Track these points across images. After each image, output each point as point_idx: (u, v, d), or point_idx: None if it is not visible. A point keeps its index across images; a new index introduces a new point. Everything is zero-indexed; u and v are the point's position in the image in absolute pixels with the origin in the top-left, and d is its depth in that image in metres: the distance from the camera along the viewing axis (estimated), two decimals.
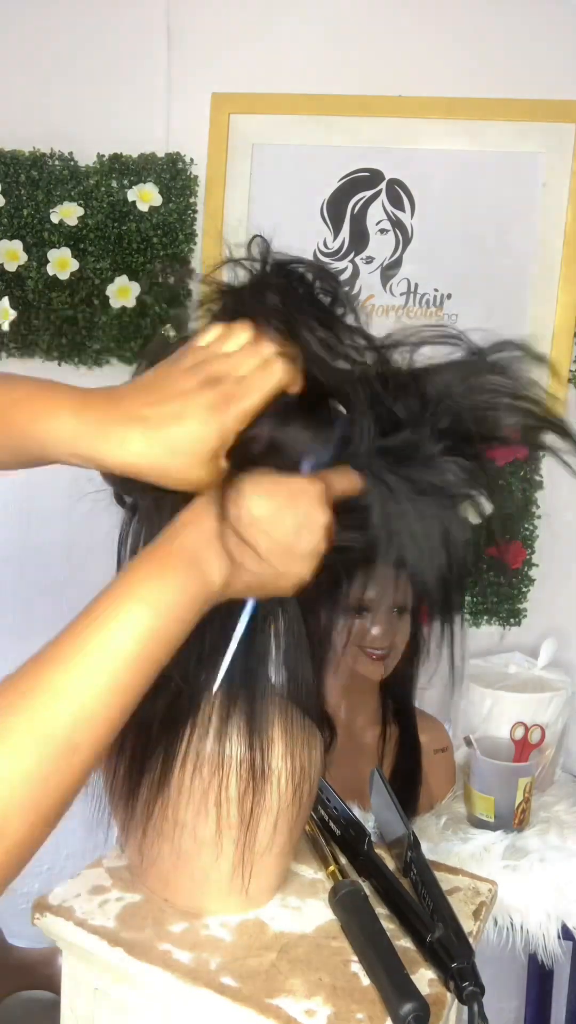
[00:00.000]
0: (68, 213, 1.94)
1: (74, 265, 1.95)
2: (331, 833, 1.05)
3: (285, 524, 0.71)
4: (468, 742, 1.70)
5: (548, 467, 1.96)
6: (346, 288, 0.88)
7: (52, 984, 1.89)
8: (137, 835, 0.90)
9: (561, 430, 0.82)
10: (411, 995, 0.75)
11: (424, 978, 0.82)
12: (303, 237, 1.94)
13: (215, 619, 0.80)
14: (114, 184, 1.98)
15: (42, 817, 0.59)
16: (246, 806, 0.85)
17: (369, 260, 1.97)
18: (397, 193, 1.94)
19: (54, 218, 1.95)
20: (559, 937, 1.50)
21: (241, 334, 0.75)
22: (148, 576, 0.66)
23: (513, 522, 0.90)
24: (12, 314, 1.97)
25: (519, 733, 1.71)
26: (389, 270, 1.96)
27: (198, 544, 0.69)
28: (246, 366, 0.73)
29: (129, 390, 0.73)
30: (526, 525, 1.96)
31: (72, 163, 1.99)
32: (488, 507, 0.83)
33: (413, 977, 0.79)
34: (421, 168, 1.94)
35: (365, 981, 0.81)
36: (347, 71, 1.94)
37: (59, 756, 0.59)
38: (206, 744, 0.84)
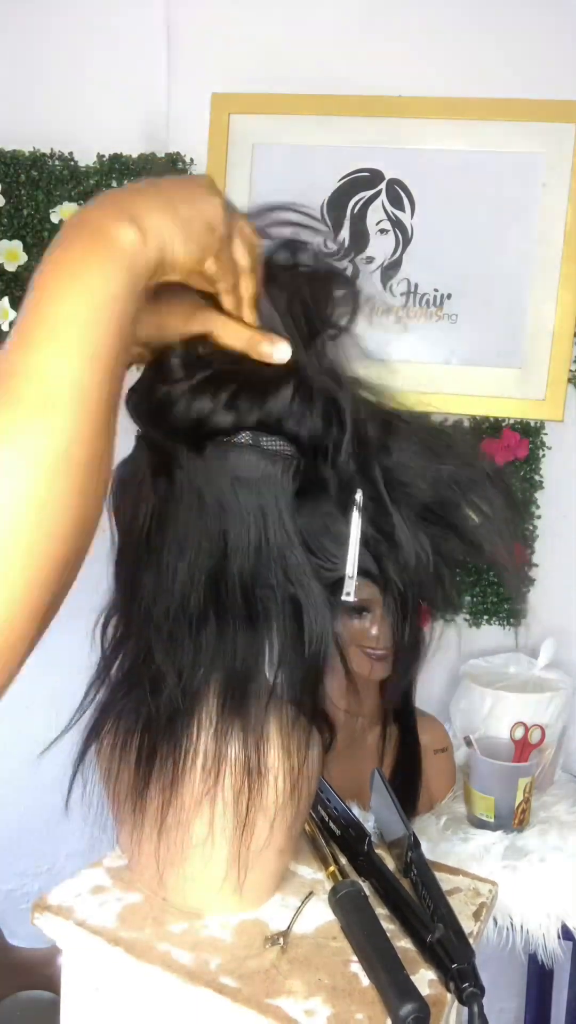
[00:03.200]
0: (68, 213, 1.94)
1: None
2: (331, 833, 1.05)
3: (183, 197, 0.68)
4: (468, 742, 1.70)
5: (548, 467, 1.96)
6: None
7: (52, 984, 1.89)
8: (138, 835, 0.90)
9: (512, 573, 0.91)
10: (411, 996, 0.75)
11: (424, 979, 0.82)
12: (303, 237, 1.94)
13: (209, 616, 0.80)
14: (114, 184, 1.98)
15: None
16: (242, 805, 0.85)
17: (369, 260, 1.97)
18: (397, 193, 1.94)
19: (54, 218, 1.95)
20: (559, 937, 1.50)
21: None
22: (59, 269, 0.60)
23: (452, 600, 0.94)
24: (12, 314, 1.97)
25: (519, 733, 1.71)
26: (389, 270, 1.96)
27: (96, 218, 0.63)
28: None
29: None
30: (526, 525, 1.96)
31: (72, 163, 1.99)
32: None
33: (413, 978, 0.79)
34: (421, 168, 1.93)
35: (365, 982, 0.81)
36: (347, 71, 1.94)
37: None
38: (203, 743, 0.84)
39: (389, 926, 0.88)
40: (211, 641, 0.81)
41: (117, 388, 0.60)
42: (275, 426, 0.80)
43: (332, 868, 0.97)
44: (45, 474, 0.53)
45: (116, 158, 1.98)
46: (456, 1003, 0.80)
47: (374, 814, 1.12)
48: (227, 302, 0.76)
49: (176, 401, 0.79)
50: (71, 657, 0.86)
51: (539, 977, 1.80)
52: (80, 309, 0.58)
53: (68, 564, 0.55)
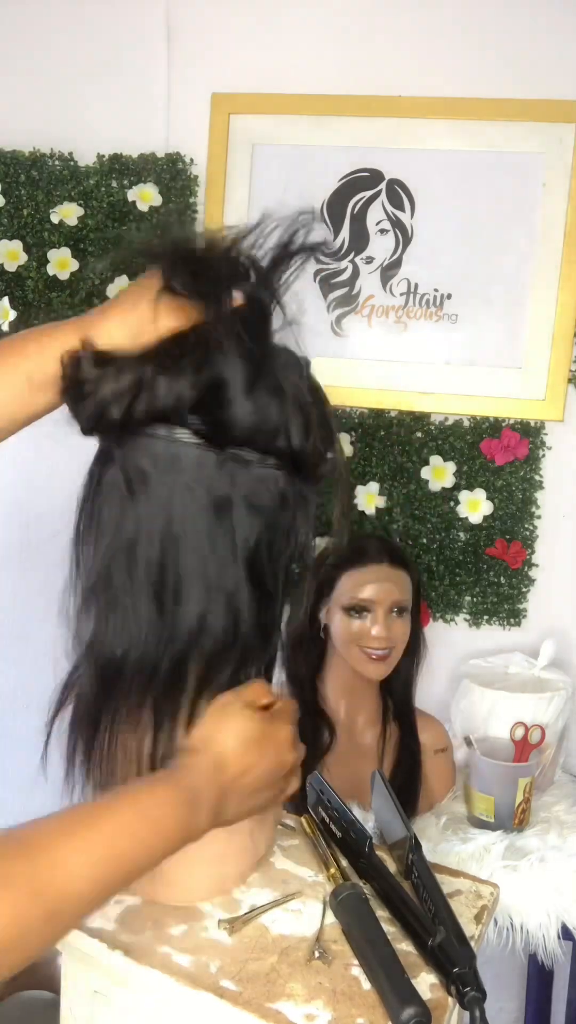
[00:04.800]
0: (68, 213, 1.94)
1: (74, 265, 1.95)
2: (332, 835, 1.05)
3: (259, 770, 0.84)
4: (468, 742, 1.70)
5: (548, 467, 1.96)
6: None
7: (52, 984, 1.89)
8: None
9: None
10: (412, 1000, 0.75)
11: (425, 983, 0.82)
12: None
13: (122, 595, 0.85)
14: (114, 184, 1.98)
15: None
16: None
17: (369, 260, 1.97)
18: (397, 193, 1.94)
19: (54, 218, 1.94)
20: (559, 937, 1.50)
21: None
22: (159, 802, 0.76)
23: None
24: (12, 314, 1.97)
25: (519, 733, 1.71)
26: (389, 270, 1.96)
27: (199, 788, 0.79)
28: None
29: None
30: (526, 525, 1.97)
31: (72, 163, 1.99)
32: None
33: (414, 982, 0.79)
34: (421, 168, 1.93)
35: (366, 985, 0.81)
36: (347, 71, 1.94)
37: (39, 915, 0.66)
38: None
39: (390, 929, 0.88)
40: (126, 619, 0.85)
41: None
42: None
43: (333, 870, 0.97)
44: None
45: (116, 158, 1.98)
46: (457, 1007, 0.80)
47: (375, 815, 1.12)
48: None
49: (91, 394, 0.82)
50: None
51: (539, 977, 1.80)
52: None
53: None
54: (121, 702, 0.86)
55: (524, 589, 1.99)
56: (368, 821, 1.11)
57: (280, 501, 0.86)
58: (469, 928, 0.91)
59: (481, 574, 1.99)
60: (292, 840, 1.05)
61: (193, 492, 0.83)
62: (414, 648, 1.75)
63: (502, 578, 1.99)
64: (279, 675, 1.72)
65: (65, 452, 0.88)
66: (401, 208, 1.94)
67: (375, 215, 1.95)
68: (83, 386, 0.82)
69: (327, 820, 1.07)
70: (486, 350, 1.94)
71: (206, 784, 0.80)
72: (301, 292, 0.90)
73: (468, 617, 2.02)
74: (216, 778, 0.81)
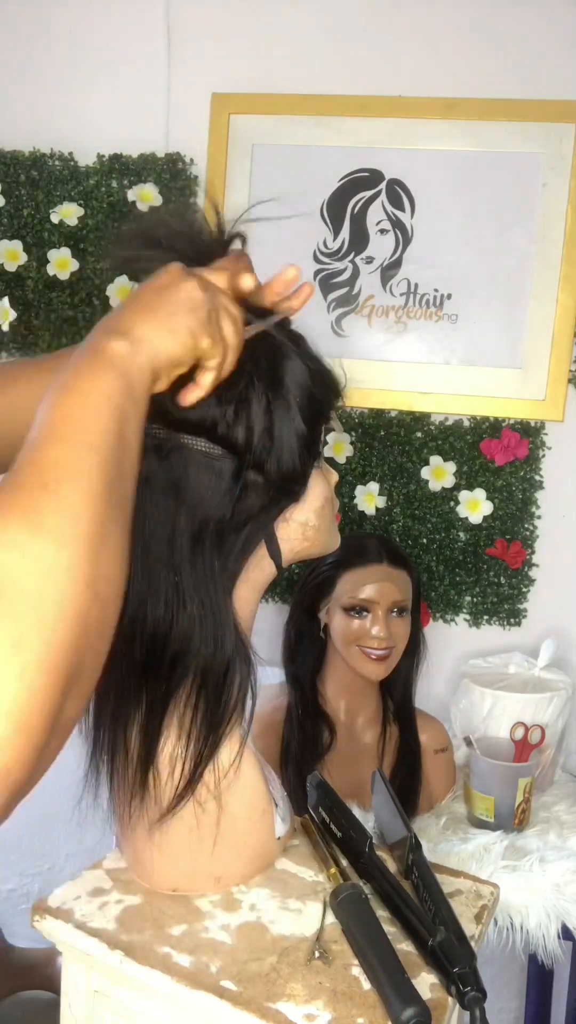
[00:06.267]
0: (68, 213, 1.94)
1: (74, 265, 1.95)
2: (332, 835, 1.05)
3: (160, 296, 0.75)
4: (468, 742, 1.70)
5: (548, 467, 1.96)
6: None
7: (52, 984, 1.89)
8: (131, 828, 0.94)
9: None
10: (412, 1000, 0.75)
11: (425, 982, 0.82)
12: (303, 237, 1.94)
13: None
14: (114, 184, 1.98)
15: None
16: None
17: (369, 260, 1.97)
18: (397, 193, 1.94)
19: (54, 218, 1.95)
20: (559, 937, 1.50)
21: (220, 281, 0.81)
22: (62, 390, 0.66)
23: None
24: (12, 314, 1.97)
25: (519, 733, 1.71)
26: (389, 270, 1.96)
27: (92, 341, 0.70)
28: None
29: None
30: (526, 525, 1.97)
31: (72, 163, 1.99)
32: None
33: (414, 981, 0.79)
34: (421, 168, 1.94)
35: (366, 985, 0.81)
36: (347, 71, 1.94)
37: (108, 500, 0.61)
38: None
39: (390, 929, 0.88)
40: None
41: (124, 472, 0.65)
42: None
43: (333, 870, 0.97)
44: (49, 544, 0.56)
45: (116, 158, 1.98)
46: (457, 1007, 0.80)
47: (375, 815, 1.12)
48: (212, 378, 0.79)
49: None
50: None
51: (539, 977, 1.79)
52: (76, 409, 0.63)
53: (85, 627, 0.57)
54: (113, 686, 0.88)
55: (524, 589, 1.99)
56: (368, 821, 1.11)
57: (221, 490, 0.85)
58: (469, 928, 0.91)
59: (481, 574, 2.00)
60: (292, 840, 1.05)
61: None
62: (414, 648, 1.74)
63: (502, 578, 1.99)
64: (279, 675, 1.74)
65: None
66: (401, 208, 1.94)
67: (375, 215, 1.95)
68: None
69: (327, 820, 1.07)
70: (486, 350, 1.94)
71: (99, 328, 0.71)
72: None
73: (468, 617, 2.02)
74: (106, 322, 0.72)
